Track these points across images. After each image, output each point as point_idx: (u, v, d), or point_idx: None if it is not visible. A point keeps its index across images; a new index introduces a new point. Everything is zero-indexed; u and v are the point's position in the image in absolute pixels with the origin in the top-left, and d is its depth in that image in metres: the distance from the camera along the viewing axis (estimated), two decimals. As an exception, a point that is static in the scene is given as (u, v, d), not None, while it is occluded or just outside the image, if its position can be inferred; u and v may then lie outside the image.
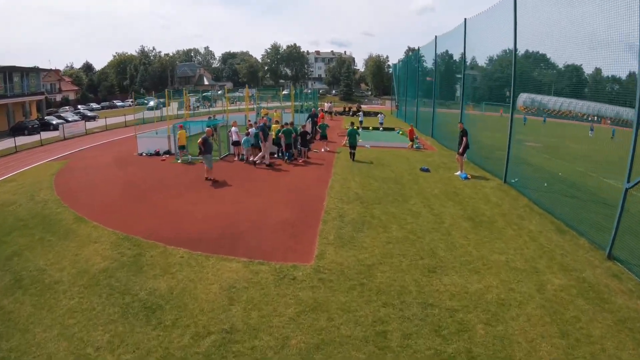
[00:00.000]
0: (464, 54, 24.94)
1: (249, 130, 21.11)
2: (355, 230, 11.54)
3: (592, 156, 26.84)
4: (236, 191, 16.01)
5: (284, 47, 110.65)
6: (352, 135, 22.36)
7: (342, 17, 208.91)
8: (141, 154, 24.18)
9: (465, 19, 23.68)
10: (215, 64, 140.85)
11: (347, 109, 58.71)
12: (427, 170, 19.41)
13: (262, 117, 29.83)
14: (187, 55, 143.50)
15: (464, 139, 18.70)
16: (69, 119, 47.95)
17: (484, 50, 24.59)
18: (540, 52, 20.47)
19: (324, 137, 25.02)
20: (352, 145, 22.39)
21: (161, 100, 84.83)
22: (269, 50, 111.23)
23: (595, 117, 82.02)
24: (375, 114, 55.13)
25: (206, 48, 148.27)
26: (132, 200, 14.93)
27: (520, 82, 18.88)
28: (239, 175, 18.74)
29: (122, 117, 48.65)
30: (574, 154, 30.21)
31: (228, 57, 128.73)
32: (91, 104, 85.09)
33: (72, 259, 10.08)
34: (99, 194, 16.01)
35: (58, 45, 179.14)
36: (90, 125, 43.45)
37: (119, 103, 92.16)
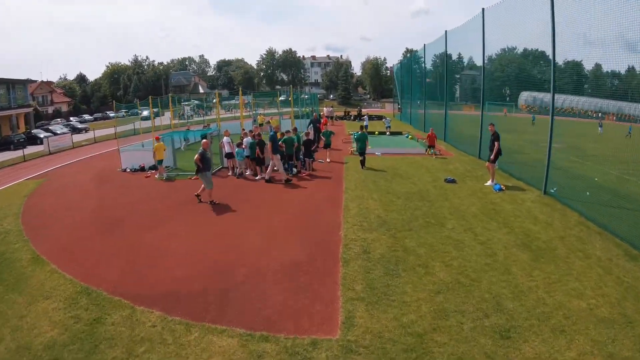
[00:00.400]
0: (483, 49, 22.09)
1: (243, 139, 18.31)
2: (388, 273, 8.72)
3: (617, 155, 24.44)
4: (229, 218, 13.16)
5: (280, 53, 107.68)
6: (362, 140, 19.91)
7: (338, 22, 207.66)
8: (125, 170, 21.33)
9: (483, 8, 21.00)
10: (211, 72, 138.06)
11: (347, 113, 56.25)
12: (453, 182, 16.64)
13: (260, 124, 27.05)
14: (182, 64, 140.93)
15: (496, 143, 15.93)
16: (58, 132, 45.18)
17: (497, 44, 22.43)
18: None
19: (327, 145, 22.14)
20: (362, 152, 19.86)
21: (155, 109, 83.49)
22: (264, 55, 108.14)
23: (600, 114, 79.61)
24: (380, 117, 52.47)
25: (201, 56, 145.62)
26: (102, 233, 12.11)
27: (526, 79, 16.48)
28: (233, 195, 15.87)
29: (113, 128, 45.89)
30: (598, 155, 27.60)
31: (223, 64, 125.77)
32: (84, 115, 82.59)
33: (15, 324, 7.44)
34: (67, 224, 13.23)
35: (54, 57, 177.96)
36: (79, 137, 40.89)
37: (111, 114, 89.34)
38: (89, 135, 45.41)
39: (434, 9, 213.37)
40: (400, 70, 54.64)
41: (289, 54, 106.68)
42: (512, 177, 17.63)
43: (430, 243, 10.24)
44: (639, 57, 10.36)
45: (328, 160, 21.72)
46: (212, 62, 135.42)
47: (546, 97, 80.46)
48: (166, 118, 67.21)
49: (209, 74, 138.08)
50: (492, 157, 15.98)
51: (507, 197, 14.54)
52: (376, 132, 33.57)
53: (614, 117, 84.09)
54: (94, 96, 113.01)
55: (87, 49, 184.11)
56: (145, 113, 76.96)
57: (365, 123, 34.35)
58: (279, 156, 17.34)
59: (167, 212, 13.96)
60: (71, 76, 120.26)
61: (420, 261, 9.20)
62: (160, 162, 19.03)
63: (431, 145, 23.08)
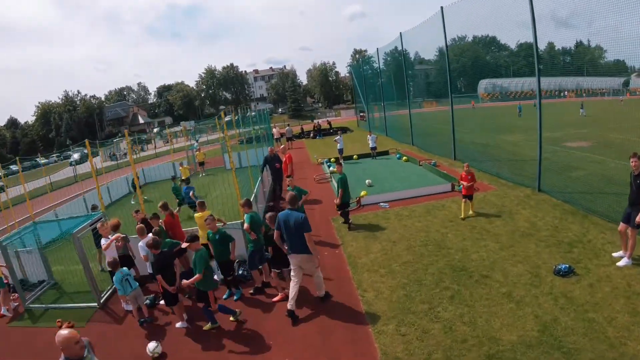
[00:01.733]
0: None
1: (142, 244, 9.08)
2: None
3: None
4: None
5: (220, 70, 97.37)
6: (344, 185, 12.57)
7: (276, 36, 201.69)
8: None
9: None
10: (152, 99, 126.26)
11: (304, 131, 46.62)
12: (568, 273, 7.99)
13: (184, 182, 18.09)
14: (121, 95, 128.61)
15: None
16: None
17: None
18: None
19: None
20: (344, 204, 12.41)
21: (84, 152, 71.97)
22: (203, 74, 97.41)
23: (566, 92, 73.35)
24: (344, 130, 43.69)
25: (139, 84, 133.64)
26: None
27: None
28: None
29: (42, 180, 35.03)
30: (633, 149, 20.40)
31: (163, 90, 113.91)
32: (12, 166, 70.60)
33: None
34: None
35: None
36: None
37: (42, 161, 77.09)
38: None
39: (369, 12, 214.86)
40: (361, 71, 46.39)
41: (230, 70, 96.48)
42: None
43: None
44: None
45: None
46: (153, 88, 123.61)
47: (505, 82, 74.41)
48: (97, 160, 57.32)
49: (150, 102, 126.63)
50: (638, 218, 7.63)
51: None
52: (355, 157, 24.76)
53: (574, 94, 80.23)
54: (22, 142, 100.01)
55: (21, 90, 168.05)
56: (75, 156, 65.88)
57: (339, 145, 24.44)
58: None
59: None
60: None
61: None
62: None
63: (468, 195, 12.21)
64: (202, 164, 27.03)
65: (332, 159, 24.09)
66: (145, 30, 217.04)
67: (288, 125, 42.94)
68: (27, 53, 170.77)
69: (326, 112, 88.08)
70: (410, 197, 14.84)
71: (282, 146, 16.14)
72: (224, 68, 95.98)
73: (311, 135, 42.98)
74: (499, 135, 27.85)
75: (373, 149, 23.71)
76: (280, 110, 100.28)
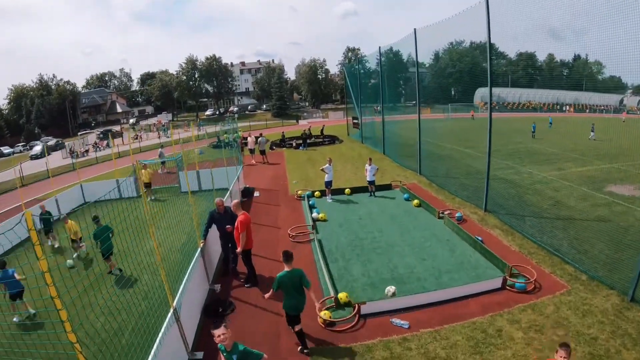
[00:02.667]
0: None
1: None
2: None
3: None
4: None
5: (202, 60, 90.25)
6: (287, 288, 7.15)
7: (267, 29, 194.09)
8: None
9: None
10: (135, 86, 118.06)
11: (285, 139, 38.79)
12: None
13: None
14: (102, 80, 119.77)
15: None
16: None
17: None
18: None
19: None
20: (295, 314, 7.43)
21: (52, 142, 64.58)
22: (184, 64, 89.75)
23: (566, 107, 68.38)
24: (333, 139, 37.53)
25: (121, 70, 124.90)
26: None
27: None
28: None
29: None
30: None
31: (147, 77, 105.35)
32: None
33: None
34: None
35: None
36: None
37: (6, 150, 69.60)
38: None
39: (361, 10, 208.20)
40: (353, 70, 40.23)
41: (213, 61, 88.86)
42: None
43: None
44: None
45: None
46: (137, 75, 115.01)
47: (502, 92, 69.19)
48: (58, 156, 50.05)
49: (133, 89, 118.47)
50: None
51: None
52: (347, 191, 18.65)
53: (572, 109, 75.52)
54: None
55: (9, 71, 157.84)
56: (37, 149, 58.31)
57: (327, 177, 17.60)
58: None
59: None
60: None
61: None
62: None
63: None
64: (148, 185, 20.78)
65: (317, 192, 18.15)
66: (134, 16, 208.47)
67: (261, 134, 36.20)
68: (9, 32, 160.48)
69: (313, 112, 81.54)
70: (439, 300, 8.92)
71: (235, 201, 9.97)
72: (206, 59, 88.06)
73: (294, 144, 36.05)
74: (535, 168, 22.21)
75: (371, 182, 17.59)
76: (264, 106, 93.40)
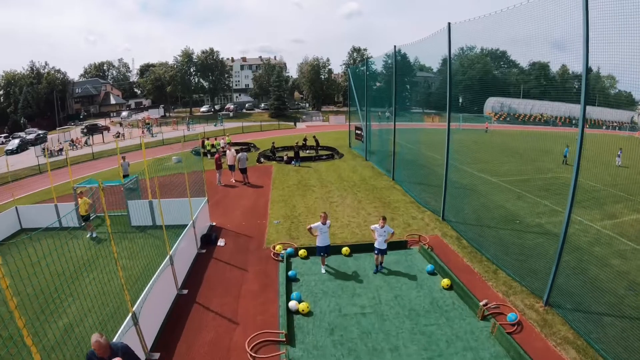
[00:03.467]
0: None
1: None
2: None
3: None
4: None
5: (198, 53, 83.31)
6: None
7: (270, 25, 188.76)
8: None
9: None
10: (133, 77, 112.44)
11: (275, 150, 32.55)
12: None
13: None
14: (100, 69, 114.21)
15: None
16: None
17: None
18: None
19: None
20: None
21: (33, 135, 58.87)
22: (179, 57, 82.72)
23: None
24: (331, 153, 32.13)
25: (120, 60, 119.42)
26: None
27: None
28: None
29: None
30: None
31: (146, 68, 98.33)
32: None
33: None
34: None
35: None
36: None
37: (-12, 141, 64.22)
38: None
39: (366, 10, 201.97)
40: (357, 72, 34.81)
41: (209, 55, 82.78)
42: None
43: None
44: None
45: None
46: (137, 66, 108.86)
47: (514, 103, 63.84)
48: (30, 155, 44.41)
49: (130, 80, 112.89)
50: None
51: None
52: (344, 250, 13.00)
53: (587, 125, 70.26)
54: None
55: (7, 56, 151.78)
56: (14, 142, 52.80)
57: (320, 241, 11.71)
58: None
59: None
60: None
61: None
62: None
63: None
64: (86, 218, 15.52)
65: (302, 251, 12.85)
66: (140, 5, 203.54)
67: (242, 149, 30.62)
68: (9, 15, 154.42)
69: (313, 114, 75.83)
70: None
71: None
72: (202, 52, 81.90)
73: (285, 158, 30.16)
74: (582, 213, 16.95)
75: (381, 252, 11.61)
76: (263, 105, 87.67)
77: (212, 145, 33.36)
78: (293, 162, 28.31)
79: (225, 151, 27.33)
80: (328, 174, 25.00)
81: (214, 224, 16.41)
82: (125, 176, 23.32)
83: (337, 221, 15.88)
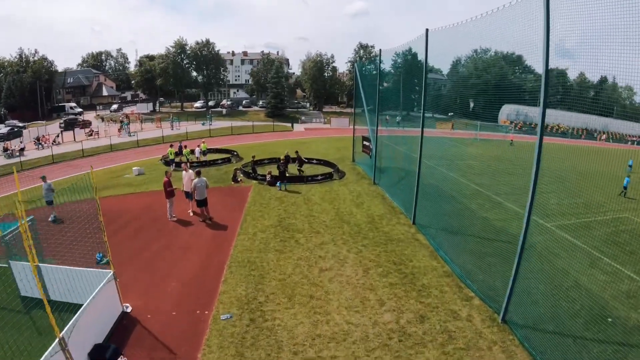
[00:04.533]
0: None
1: None
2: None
3: None
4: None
5: (192, 44, 75.40)
6: None
7: (276, 21, 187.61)
8: None
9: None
10: (132, 68, 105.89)
11: (256, 166, 26.54)
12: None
13: None
14: (97, 59, 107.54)
15: None
16: None
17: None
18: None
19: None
20: None
21: (5, 130, 51.86)
22: (171, 48, 74.15)
23: (599, 135, 60.12)
24: (330, 172, 25.06)
25: (118, 50, 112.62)
26: None
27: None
28: None
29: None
30: None
31: (146, 60, 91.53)
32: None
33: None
34: None
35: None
36: None
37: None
38: None
39: (372, 10, 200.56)
40: (364, 70, 28.03)
41: (204, 47, 75.57)
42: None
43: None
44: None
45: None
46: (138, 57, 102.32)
47: (531, 111, 56.92)
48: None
49: (127, 71, 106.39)
50: None
51: None
52: None
53: (605, 136, 63.71)
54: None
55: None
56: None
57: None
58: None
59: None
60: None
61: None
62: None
63: None
64: None
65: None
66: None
67: (197, 173, 24.32)
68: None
69: (313, 115, 68.51)
70: None
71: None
72: (197, 43, 74.34)
73: (268, 177, 22.49)
74: None
75: None
76: (260, 102, 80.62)
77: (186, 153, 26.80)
78: (278, 184, 21.54)
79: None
80: (322, 206, 18.29)
81: (129, 309, 9.86)
82: (48, 203, 16.87)
83: (325, 323, 9.27)
